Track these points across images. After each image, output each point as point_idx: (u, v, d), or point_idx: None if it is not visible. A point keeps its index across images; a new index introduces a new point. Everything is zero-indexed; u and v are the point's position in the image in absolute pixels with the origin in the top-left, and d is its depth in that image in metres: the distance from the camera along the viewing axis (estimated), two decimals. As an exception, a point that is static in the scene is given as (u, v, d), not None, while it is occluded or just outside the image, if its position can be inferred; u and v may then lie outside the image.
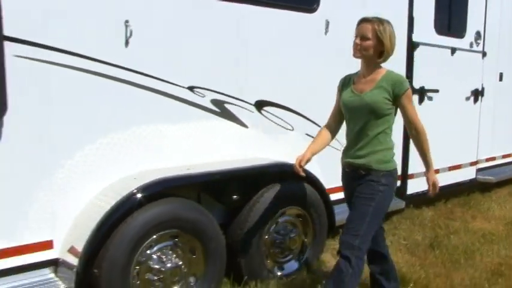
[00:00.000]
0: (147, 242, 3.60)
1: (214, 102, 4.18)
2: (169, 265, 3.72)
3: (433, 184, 3.58)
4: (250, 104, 4.41)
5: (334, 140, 3.89)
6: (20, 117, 3.25)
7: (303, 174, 3.64)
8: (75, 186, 3.57)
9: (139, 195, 3.53)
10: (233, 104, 4.29)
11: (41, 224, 3.46)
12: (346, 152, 3.67)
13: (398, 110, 3.54)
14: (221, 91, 4.20)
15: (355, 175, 3.57)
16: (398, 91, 3.44)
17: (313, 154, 3.69)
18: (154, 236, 3.64)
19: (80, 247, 3.46)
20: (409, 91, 3.48)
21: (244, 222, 4.13)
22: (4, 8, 3.07)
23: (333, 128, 3.82)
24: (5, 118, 3.17)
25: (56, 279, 3.53)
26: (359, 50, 3.48)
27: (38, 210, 3.43)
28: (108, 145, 3.68)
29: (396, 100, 3.47)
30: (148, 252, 3.64)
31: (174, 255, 3.77)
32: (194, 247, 3.85)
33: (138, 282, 3.60)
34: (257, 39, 4.41)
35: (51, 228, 3.51)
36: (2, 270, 3.33)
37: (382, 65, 3.56)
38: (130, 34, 3.66)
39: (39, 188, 3.42)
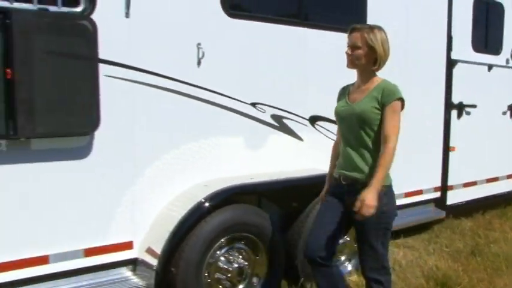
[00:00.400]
0: (217, 244, 3.94)
1: (274, 117, 4.52)
2: (235, 265, 4.06)
3: (361, 201, 3.20)
4: (305, 118, 4.75)
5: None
6: (109, 131, 3.63)
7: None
8: (153, 193, 3.93)
9: (211, 202, 3.87)
10: (290, 118, 4.63)
11: (123, 226, 3.82)
12: (340, 164, 3.55)
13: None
14: (280, 107, 4.54)
15: (351, 189, 3.42)
16: (386, 100, 3.29)
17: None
18: (223, 239, 3.98)
19: (156, 248, 3.81)
20: (397, 103, 3.31)
21: (301, 227, 4.43)
22: (99, 35, 3.47)
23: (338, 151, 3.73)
24: (97, 132, 3.56)
25: (134, 277, 3.88)
26: (351, 61, 3.42)
27: (121, 214, 3.80)
28: (182, 155, 4.04)
29: (382, 110, 3.32)
30: (218, 253, 3.98)
31: (240, 257, 4.10)
32: (258, 249, 4.18)
33: (208, 281, 3.94)
34: (312, 60, 4.74)
35: (132, 230, 3.87)
36: (91, 266, 3.71)
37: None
38: (202, 55, 4.03)
39: (123, 194, 3.79)
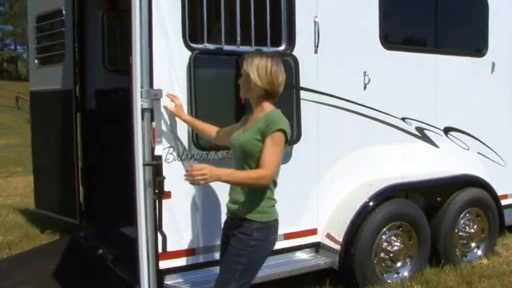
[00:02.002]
0: (382, 231, 4.79)
1: (417, 128, 5.33)
2: (395, 248, 4.89)
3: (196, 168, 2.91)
4: (440, 129, 5.54)
5: (496, 155, 5.03)
6: (302, 142, 4.55)
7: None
8: (332, 190, 4.81)
9: (379, 197, 4.73)
10: (429, 130, 5.43)
11: (310, 216, 4.72)
12: (229, 194, 3.32)
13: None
14: (421, 120, 5.36)
15: (232, 221, 3.26)
16: (267, 131, 3.03)
17: (187, 120, 3.79)
18: (387, 227, 4.83)
19: (335, 234, 4.70)
20: (278, 135, 3.03)
21: (441, 218, 5.22)
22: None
23: (213, 132, 3.71)
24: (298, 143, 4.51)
25: (319, 257, 4.76)
26: (240, 90, 3.28)
27: (309, 206, 4.70)
28: (352, 160, 4.92)
29: (263, 141, 3.06)
30: (383, 238, 4.82)
31: (398, 241, 4.93)
32: (411, 235, 4.98)
33: (375, 259, 4.78)
34: (444, 80, 5.55)
35: (316, 219, 4.77)
36: (288, 247, 4.62)
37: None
38: (368, 81, 4.91)
39: (311, 190, 4.70)
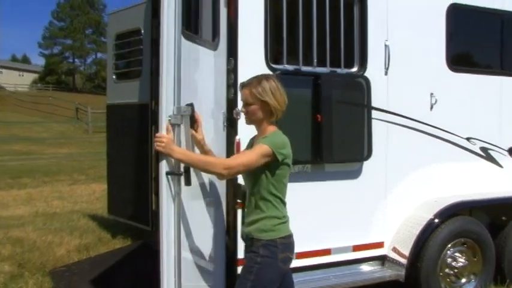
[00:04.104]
0: (447, 246, 4.91)
1: (482, 148, 5.44)
2: (460, 264, 4.99)
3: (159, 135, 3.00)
4: (504, 150, 5.63)
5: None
6: (372, 158, 4.73)
7: None
8: (399, 204, 4.96)
9: (444, 214, 4.86)
10: (493, 150, 5.53)
11: (377, 229, 4.89)
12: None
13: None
14: (486, 140, 5.46)
15: (245, 244, 3.31)
16: (258, 142, 3.14)
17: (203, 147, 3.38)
18: (451, 243, 4.94)
19: (401, 248, 4.85)
20: (264, 146, 3.04)
21: (506, 237, 5.29)
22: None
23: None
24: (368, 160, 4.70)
25: (385, 269, 4.91)
26: (247, 118, 3.23)
27: (377, 220, 4.87)
28: (418, 177, 5.07)
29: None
30: (448, 253, 4.93)
31: (463, 257, 5.03)
32: (475, 252, 5.08)
33: (441, 274, 4.90)
34: (509, 101, 5.64)
35: (383, 233, 4.92)
36: (355, 259, 4.79)
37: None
38: (435, 101, 5.06)
39: (380, 204, 4.87)
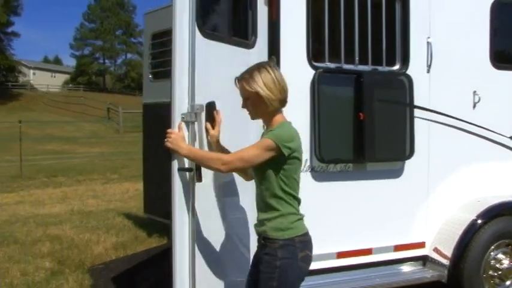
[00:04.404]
0: (491, 248, 4.81)
1: (526, 148, 5.34)
2: (504, 266, 4.88)
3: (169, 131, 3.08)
4: (548, 149, 5.51)
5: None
6: (414, 157, 4.66)
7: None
8: (441, 204, 4.88)
9: (487, 214, 4.76)
10: (537, 149, 5.42)
11: (419, 229, 4.81)
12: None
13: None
14: (530, 140, 5.36)
15: (259, 243, 3.13)
16: (263, 137, 3.02)
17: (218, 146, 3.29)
18: (495, 244, 4.84)
19: (443, 248, 4.76)
20: (266, 140, 2.89)
21: (551, 238, 5.18)
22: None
23: None
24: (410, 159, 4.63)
25: (426, 270, 4.83)
26: (248, 112, 3.10)
27: (419, 219, 4.79)
28: (460, 176, 4.97)
29: None
30: (491, 254, 4.83)
31: (507, 259, 4.93)
32: (520, 254, 5.00)
33: (484, 276, 4.80)
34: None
35: (425, 233, 4.85)
36: (397, 259, 4.73)
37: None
38: (478, 100, 4.97)
39: (422, 204, 4.79)
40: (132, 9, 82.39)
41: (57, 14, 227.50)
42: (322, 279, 4.36)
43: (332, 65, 4.35)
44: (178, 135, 3.06)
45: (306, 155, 4.20)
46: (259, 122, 3.29)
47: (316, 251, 4.22)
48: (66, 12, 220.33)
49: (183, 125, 3.15)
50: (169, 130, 3.07)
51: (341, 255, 4.44)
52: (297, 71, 4.12)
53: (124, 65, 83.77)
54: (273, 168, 2.93)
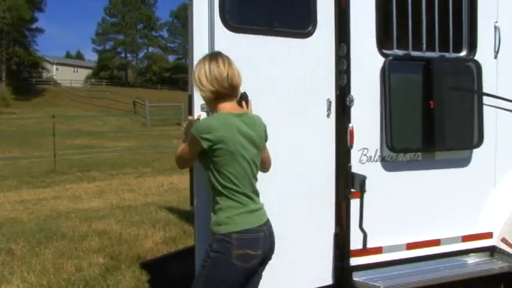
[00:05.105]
0: None
1: None
2: None
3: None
4: None
5: None
6: (483, 147, 4.55)
7: None
8: (509, 193, 4.76)
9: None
10: None
11: (486, 219, 4.70)
12: None
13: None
14: None
15: None
16: None
17: None
18: None
19: (511, 238, 4.66)
20: (191, 134, 2.88)
21: None
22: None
23: None
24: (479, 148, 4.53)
25: (495, 260, 4.74)
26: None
27: (486, 210, 4.68)
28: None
29: None
30: None
31: None
32: None
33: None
34: None
35: (492, 223, 4.74)
36: (464, 250, 4.64)
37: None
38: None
39: (489, 193, 4.68)
40: (153, 2, 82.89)
41: (78, 9, 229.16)
42: (393, 270, 4.30)
43: (400, 52, 4.26)
44: (190, 124, 3.11)
45: (375, 144, 4.15)
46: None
47: (386, 242, 4.28)
48: (87, 7, 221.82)
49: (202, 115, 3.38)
50: (189, 117, 3.27)
51: (411, 246, 4.37)
52: (367, 59, 4.05)
53: (146, 58, 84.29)
54: (205, 162, 2.92)
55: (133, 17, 77.41)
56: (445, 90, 4.27)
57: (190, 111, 3.57)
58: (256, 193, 3.01)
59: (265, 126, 3.09)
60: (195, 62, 3.08)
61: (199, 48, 3.48)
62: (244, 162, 2.88)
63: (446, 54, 4.43)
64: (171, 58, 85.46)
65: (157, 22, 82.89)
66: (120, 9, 77.90)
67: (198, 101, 3.34)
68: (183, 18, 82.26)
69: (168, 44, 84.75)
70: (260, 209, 2.99)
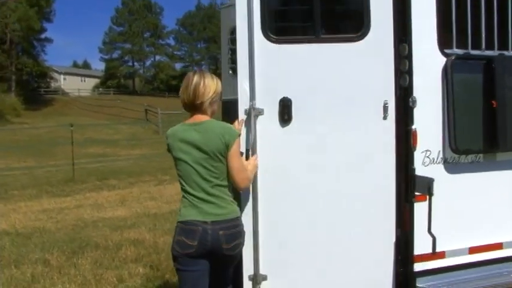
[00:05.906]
0: None
1: None
2: None
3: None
4: None
5: None
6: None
7: None
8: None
9: None
10: None
11: None
12: None
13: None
14: None
15: None
16: None
17: None
18: None
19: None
20: None
21: None
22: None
23: None
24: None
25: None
26: None
27: None
28: None
29: None
30: None
31: None
32: None
33: None
34: None
35: None
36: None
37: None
38: None
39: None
40: (159, 11, 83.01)
41: (84, 18, 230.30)
42: (457, 275, 4.17)
43: (460, 51, 4.14)
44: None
45: (438, 146, 4.04)
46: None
47: (448, 246, 4.15)
48: (93, 16, 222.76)
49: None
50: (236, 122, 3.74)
51: (473, 250, 4.24)
52: (428, 59, 3.95)
53: (153, 67, 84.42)
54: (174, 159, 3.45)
55: (139, 26, 77.59)
56: (507, 89, 4.15)
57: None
58: (208, 193, 3.34)
59: (224, 134, 3.35)
60: (240, 72, 3.72)
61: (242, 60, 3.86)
62: (185, 165, 3.35)
63: (505, 53, 4.31)
64: (178, 66, 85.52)
65: (164, 30, 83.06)
66: (126, 18, 78.13)
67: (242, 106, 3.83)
68: (189, 26, 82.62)
69: (174, 52, 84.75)
70: (209, 207, 3.33)
